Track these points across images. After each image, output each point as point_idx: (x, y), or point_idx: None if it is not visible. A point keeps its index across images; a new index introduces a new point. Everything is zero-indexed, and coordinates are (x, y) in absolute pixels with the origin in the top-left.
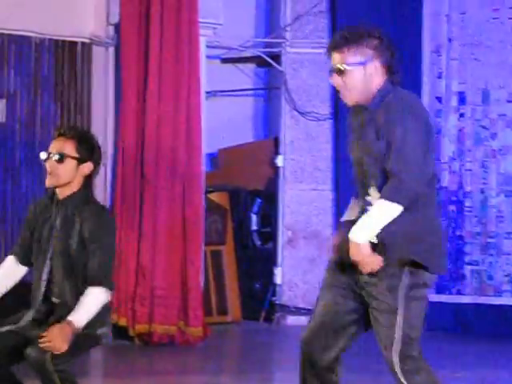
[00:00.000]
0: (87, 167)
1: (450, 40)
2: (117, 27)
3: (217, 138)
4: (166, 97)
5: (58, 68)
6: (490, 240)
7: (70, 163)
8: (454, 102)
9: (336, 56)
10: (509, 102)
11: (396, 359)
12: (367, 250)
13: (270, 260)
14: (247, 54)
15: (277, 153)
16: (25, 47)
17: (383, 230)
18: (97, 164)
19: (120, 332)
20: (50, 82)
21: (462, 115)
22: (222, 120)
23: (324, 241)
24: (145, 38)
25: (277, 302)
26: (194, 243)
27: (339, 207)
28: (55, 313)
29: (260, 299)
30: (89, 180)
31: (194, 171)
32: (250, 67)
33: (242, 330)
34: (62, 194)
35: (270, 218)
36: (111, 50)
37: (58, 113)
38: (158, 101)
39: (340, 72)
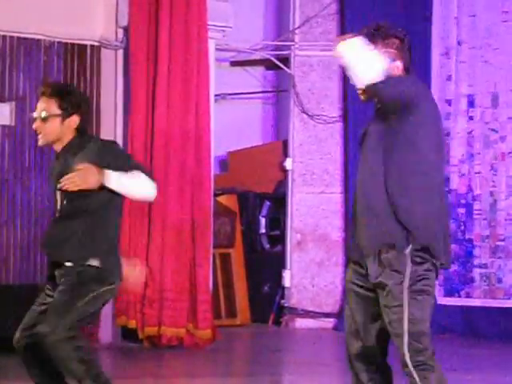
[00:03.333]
0: (73, 121)
1: (459, 43)
2: (126, 30)
3: (226, 141)
4: (174, 99)
5: (68, 71)
6: (499, 243)
7: (54, 121)
8: (464, 104)
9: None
10: None
11: (407, 352)
12: None
13: (279, 263)
14: (256, 56)
15: (286, 156)
16: (34, 50)
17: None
18: (84, 115)
19: (129, 334)
20: None
21: (471, 118)
22: (231, 123)
23: (333, 244)
24: (154, 40)
25: (285, 305)
26: (202, 246)
27: (348, 210)
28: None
29: (269, 302)
30: (81, 129)
31: (202, 174)
32: (259, 70)
33: (250, 333)
34: (57, 147)
35: (278, 221)
36: (120, 52)
37: None
38: (166, 103)
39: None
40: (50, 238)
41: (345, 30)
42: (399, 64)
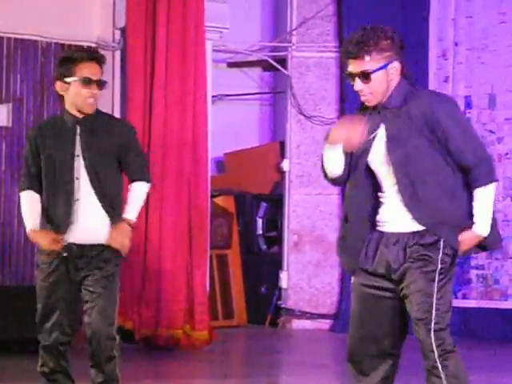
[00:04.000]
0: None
1: (456, 44)
2: (123, 31)
3: (223, 142)
4: (172, 101)
5: None
6: None
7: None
8: (461, 106)
9: (357, 63)
10: None
11: (433, 337)
12: None
13: (276, 264)
14: (253, 58)
15: (283, 157)
16: (31, 52)
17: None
18: None
19: (126, 335)
20: None
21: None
22: (228, 124)
23: (329, 245)
24: (151, 41)
25: (282, 306)
26: (199, 247)
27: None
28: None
29: (266, 303)
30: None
31: (199, 175)
32: (256, 71)
33: (247, 334)
34: (81, 114)
35: (275, 222)
36: (117, 53)
37: None
38: (164, 105)
39: (364, 78)
40: None
41: (342, 31)
42: (397, 65)
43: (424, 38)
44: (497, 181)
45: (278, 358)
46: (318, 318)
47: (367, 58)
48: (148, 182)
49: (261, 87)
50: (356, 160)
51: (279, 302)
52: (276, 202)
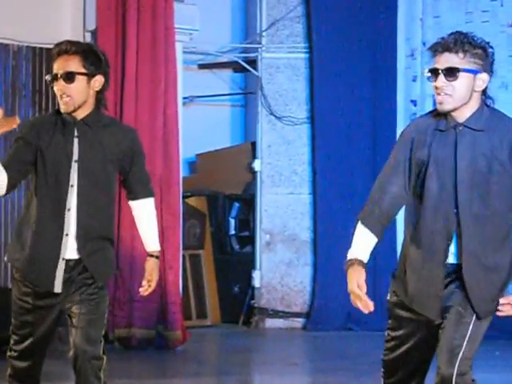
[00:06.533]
0: (97, 81)
1: (424, 44)
2: (93, 34)
3: (194, 143)
4: (143, 103)
5: (36, 75)
6: None
7: (81, 80)
8: (429, 104)
9: (447, 57)
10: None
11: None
12: None
13: (249, 263)
14: (224, 59)
15: (254, 157)
16: (2, 55)
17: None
18: (107, 75)
19: None
20: (27, 90)
21: None
22: (200, 125)
23: (301, 244)
24: (121, 44)
25: (255, 305)
26: (172, 248)
27: (316, 211)
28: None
29: (239, 302)
30: (101, 95)
31: (171, 176)
32: (227, 73)
33: (221, 333)
34: (78, 115)
35: (247, 222)
36: None
37: None
38: (134, 107)
39: (451, 75)
40: None
41: (311, 32)
42: (486, 78)
43: (392, 37)
44: None
45: (251, 357)
46: (290, 317)
47: (461, 54)
48: (153, 196)
49: (231, 88)
50: None
51: (252, 302)
52: (248, 202)
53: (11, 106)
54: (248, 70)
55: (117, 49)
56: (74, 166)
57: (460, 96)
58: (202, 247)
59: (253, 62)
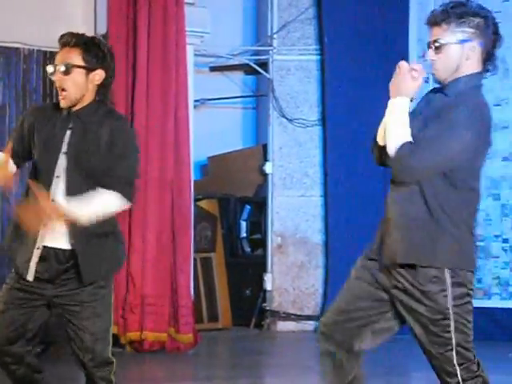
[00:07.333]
0: (98, 75)
1: None
2: (104, 38)
3: (206, 146)
4: (154, 106)
5: (47, 79)
6: (478, 243)
7: (78, 73)
8: None
9: (435, 30)
10: (496, 105)
11: (456, 366)
12: None
13: (260, 266)
14: (235, 61)
15: (265, 160)
16: (13, 59)
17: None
18: (109, 70)
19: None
20: (38, 94)
21: None
22: (211, 128)
23: (313, 247)
24: (132, 48)
25: (267, 308)
26: (183, 251)
27: (328, 213)
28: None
29: (250, 305)
30: (103, 89)
31: (182, 179)
32: (238, 75)
33: (232, 337)
34: (75, 107)
35: (259, 225)
36: None
37: None
38: (146, 110)
39: (436, 47)
40: None
41: (322, 34)
42: (477, 46)
43: (404, 39)
44: None
45: (262, 360)
46: (302, 320)
47: (445, 26)
48: (129, 200)
49: (243, 91)
50: None
51: (264, 304)
52: (259, 204)
53: (22, 110)
54: (259, 73)
55: (127, 52)
56: (62, 158)
57: (447, 67)
58: (213, 250)
59: (264, 65)
